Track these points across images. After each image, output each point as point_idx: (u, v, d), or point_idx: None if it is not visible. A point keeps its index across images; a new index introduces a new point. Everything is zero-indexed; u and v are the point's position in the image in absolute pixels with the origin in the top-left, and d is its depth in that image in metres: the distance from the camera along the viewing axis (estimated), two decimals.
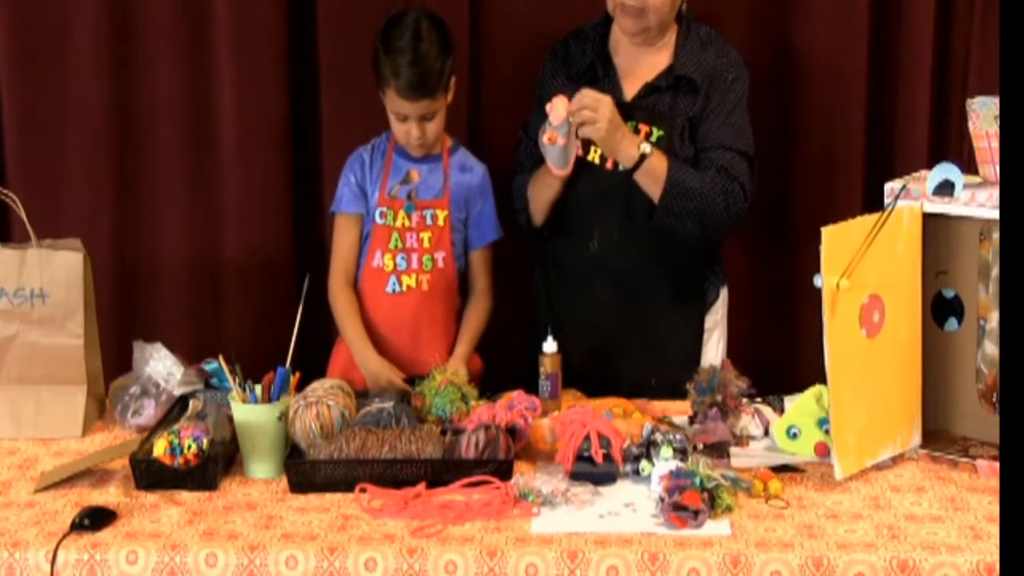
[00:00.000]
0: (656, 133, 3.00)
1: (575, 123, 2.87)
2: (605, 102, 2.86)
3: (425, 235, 3.08)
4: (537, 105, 3.10)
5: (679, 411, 2.78)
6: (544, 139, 2.89)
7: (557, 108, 2.86)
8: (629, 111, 3.01)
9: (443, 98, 3.01)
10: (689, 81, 3.02)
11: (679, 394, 2.77)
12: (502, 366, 3.15)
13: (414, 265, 3.09)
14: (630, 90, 3.06)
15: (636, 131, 3.00)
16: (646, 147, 2.92)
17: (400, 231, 3.08)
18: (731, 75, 3.04)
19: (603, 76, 3.08)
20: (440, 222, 3.09)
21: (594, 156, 3.01)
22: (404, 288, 3.09)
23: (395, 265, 3.09)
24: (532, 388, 2.79)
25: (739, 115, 3.04)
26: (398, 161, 3.10)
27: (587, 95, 2.87)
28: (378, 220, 3.09)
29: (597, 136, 2.88)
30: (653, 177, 2.94)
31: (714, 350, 3.18)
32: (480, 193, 3.13)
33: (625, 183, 2.99)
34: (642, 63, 3.08)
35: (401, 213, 3.08)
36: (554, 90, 3.03)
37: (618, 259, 3.07)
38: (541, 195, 3.09)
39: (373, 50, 3.01)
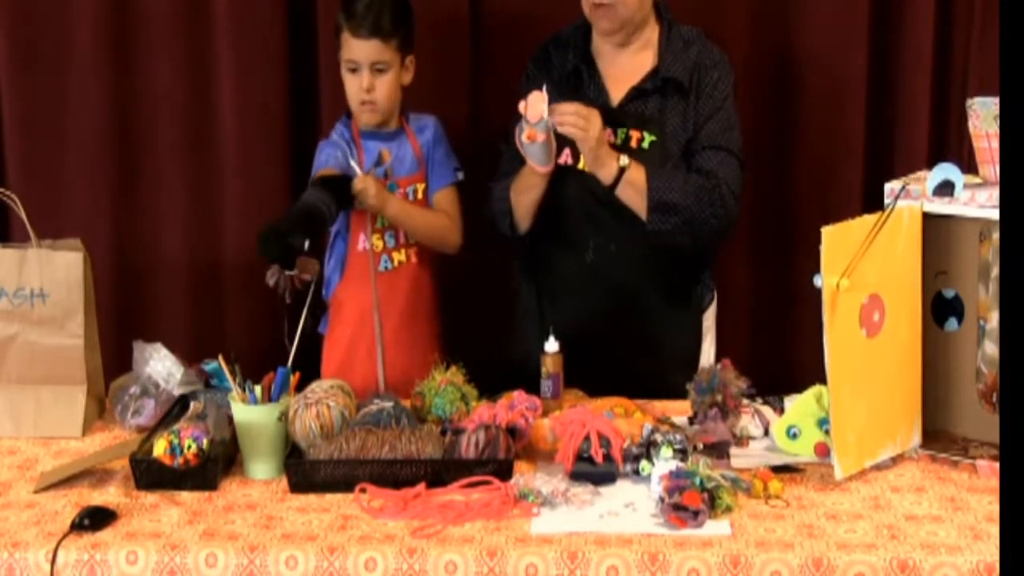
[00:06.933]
0: (648, 138, 2.98)
1: (564, 130, 2.83)
2: (595, 116, 2.84)
3: None
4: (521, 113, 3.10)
5: (679, 411, 2.77)
6: (523, 138, 2.83)
7: (535, 105, 2.79)
8: (618, 117, 2.99)
9: (397, 51, 3.04)
10: (676, 83, 2.99)
11: (679, 396, 2.76)
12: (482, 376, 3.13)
13: (401, 240, 3.13)
14: (616, 94, 3.02)
15: (627, 137, 2.98)
16: (624, 160, 2.89)
17: None
18: (716, 73, 3.01)
19: (588, 80, 3.04)
20: (420, 195, 3.14)
21: (585, 164, 2.97)
22: (396, 264, 3.13)
23: (384, 244, 3.12)
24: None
25: (726, 112, 3.00)
26: (368, 144, 3.13)
27: (577, 106, 2.83)
28: (358, 205, 3.11)
29: (586, 147, 2.86)
30: (635, 188, 2.91)
31: (706, 355, 3.15)
32: (434, 142, 3.17)
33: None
34: (626, 66, 3.04)
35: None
36: None
37: (614, 269, 3.02)
38: (524, 199, 3.02)
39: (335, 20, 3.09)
